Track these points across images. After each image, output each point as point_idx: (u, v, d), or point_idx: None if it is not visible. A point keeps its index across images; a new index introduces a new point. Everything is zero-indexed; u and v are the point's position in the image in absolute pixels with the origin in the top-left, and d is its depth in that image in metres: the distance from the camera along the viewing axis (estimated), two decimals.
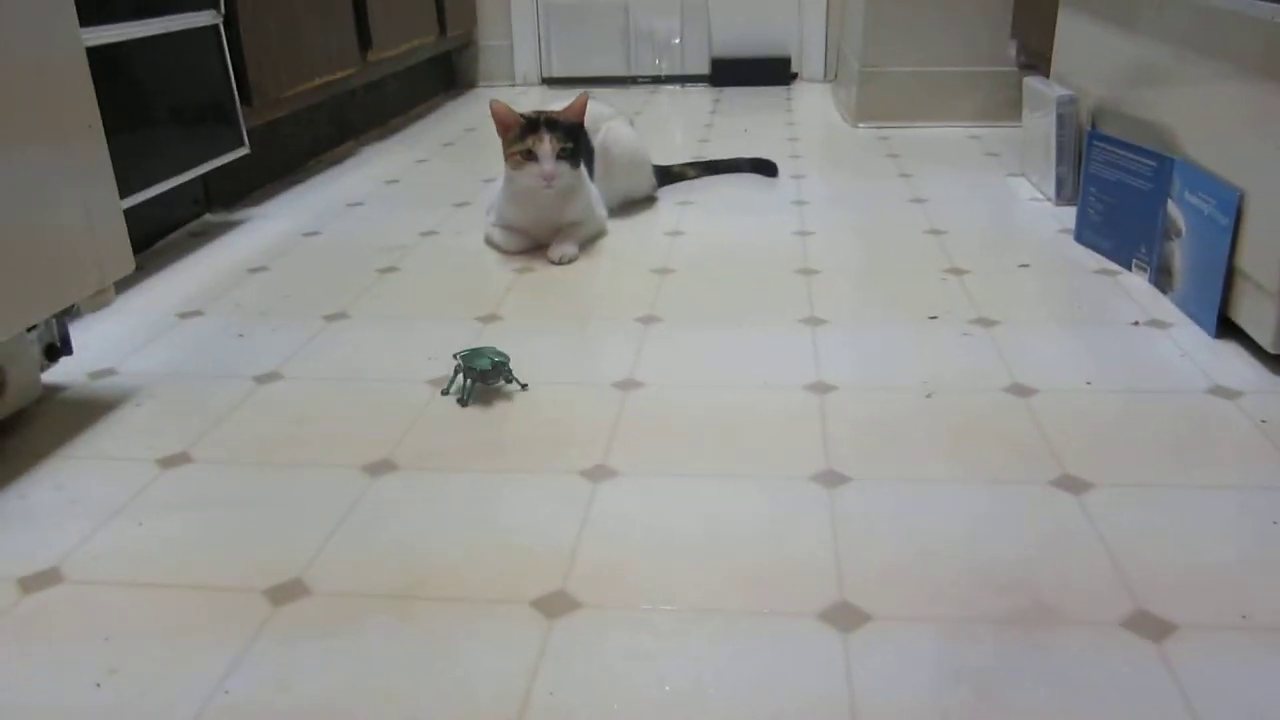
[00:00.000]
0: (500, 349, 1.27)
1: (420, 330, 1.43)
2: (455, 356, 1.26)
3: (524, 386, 1.26)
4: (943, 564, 0.90)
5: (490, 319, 1.48)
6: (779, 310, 1.49)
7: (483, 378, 1.23)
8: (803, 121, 2.87)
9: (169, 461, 1.12)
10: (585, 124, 1.76)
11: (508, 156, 1.69)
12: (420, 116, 3.11)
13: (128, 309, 1.56)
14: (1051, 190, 1.96)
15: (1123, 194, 1.61)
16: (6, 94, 1.07)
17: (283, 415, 1.22)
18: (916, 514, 0.98)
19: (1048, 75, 2.11)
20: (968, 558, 0.91)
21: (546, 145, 1.64)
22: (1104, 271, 1.61)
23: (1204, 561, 0.90)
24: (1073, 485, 1.02)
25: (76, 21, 1.18)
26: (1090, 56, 1.90)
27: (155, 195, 1.67)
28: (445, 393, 1.25)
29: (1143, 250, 1.56)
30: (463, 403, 1.23)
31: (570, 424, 1.18)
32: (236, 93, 1.92)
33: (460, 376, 1.24)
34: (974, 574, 0.89)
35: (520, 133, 1.67)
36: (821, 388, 1.24)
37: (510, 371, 1.25)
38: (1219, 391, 1.21)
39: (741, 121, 2.90)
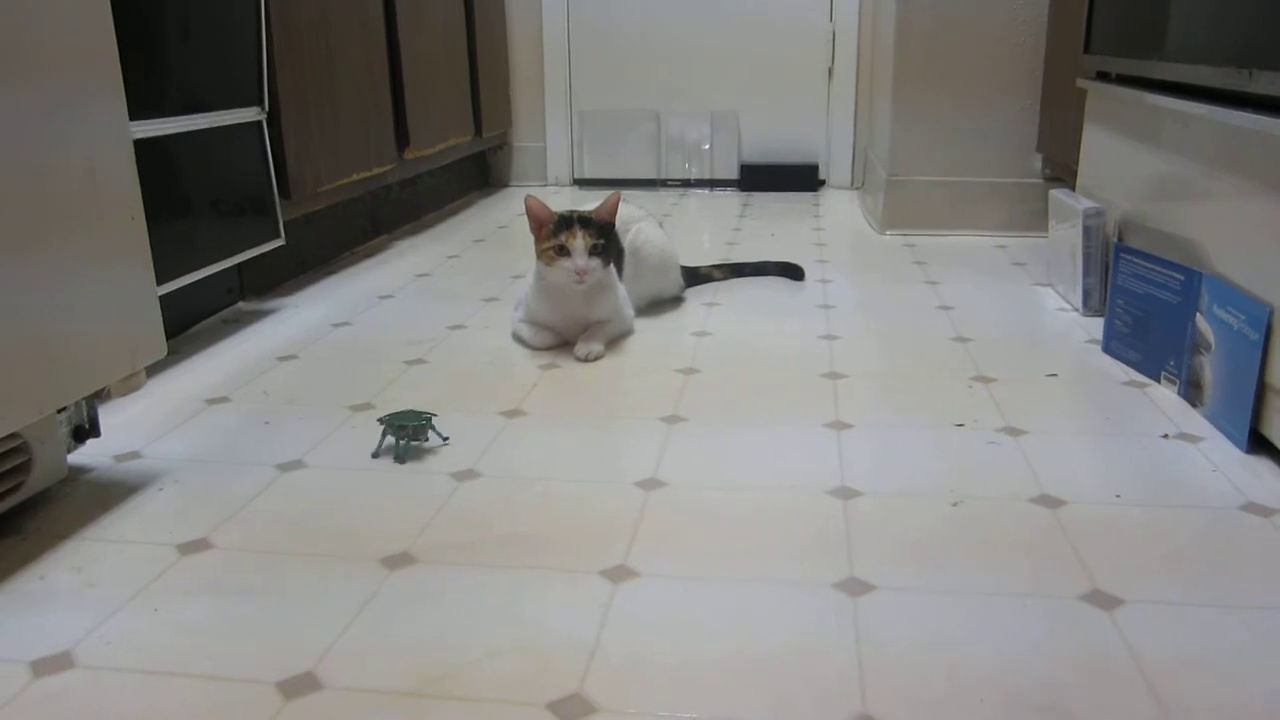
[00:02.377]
0: (425, 410, 1.38)
1: (446, 424, 1.43)
2: (380, 420, 1.35)
3: (446, 440, 1.38)
4: (971, 681, 0.88)
5: (514, 414, 1.49)
6: (804, 413, 1.48)
7: (416, 435, 1.34)
8: (829, 227, 2.91)
9: (188, 547, 1.11)
10: (616, 224, 1.78)
11: (540, 252, 1.71)
12: (453, 213, 3.17)
13: (157, 393, 1.57)
14: (1079, 301, 1.96)
15: (1151, 306, 1.61)
16: (57, 185, 1.11)
17: (304, 504, 1.22)
18: (942, 626, 0.96)
19: (1073, 188, 2.13)
20: (996, 674, 0.89)
21: (580, 241, 1.66)
22: (1132, 383, 1.60)
23: (1239, 683, 0.87)
24: (1104, 601, 1.00)
25: (127, 118, 1.22)
26: (1116, 170, 1.92)
27: (191, 282, 1.71)
28: (375, 455, 1.34)
29: (1172, 363, 1.55)
30: (400, 460, 1.32)
31: (592, 521, 1.17)
32: (275, 186, 1.97)
33: (389, 438, 1.34)
34: (1004, 691, 0.86)
35: (554, 229, 1.69)
36: (845, 492, 1.23)
37: (435, 428, 1.37)
38: (1252, 508, 1.19)
39: (769, 226, 2.94)
